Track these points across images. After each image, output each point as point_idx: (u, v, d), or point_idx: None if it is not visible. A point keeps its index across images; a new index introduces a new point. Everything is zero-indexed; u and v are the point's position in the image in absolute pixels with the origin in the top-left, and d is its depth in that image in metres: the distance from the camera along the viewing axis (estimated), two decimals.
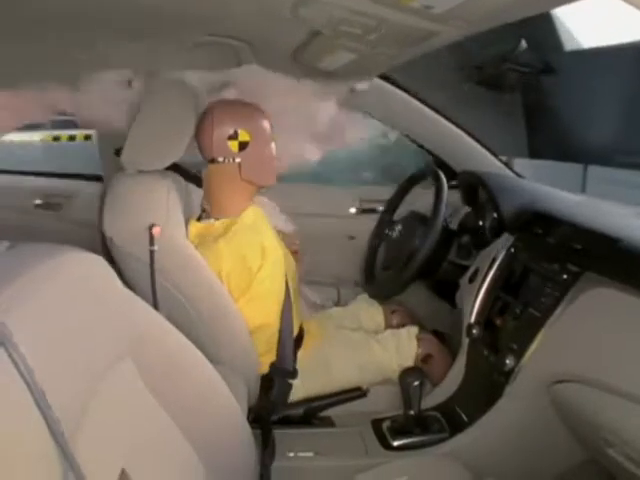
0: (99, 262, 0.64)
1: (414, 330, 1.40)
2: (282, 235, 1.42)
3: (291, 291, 1.28)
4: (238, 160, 1.20)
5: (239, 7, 0.86)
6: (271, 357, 1.24)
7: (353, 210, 1.87)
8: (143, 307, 0.72)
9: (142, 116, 1.15)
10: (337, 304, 1.77)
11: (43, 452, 0.45)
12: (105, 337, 0.60)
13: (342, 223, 1.87)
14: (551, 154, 1.96)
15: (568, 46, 1.40)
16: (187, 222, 1.19)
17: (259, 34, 1.06)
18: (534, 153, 2.06)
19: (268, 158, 1.25)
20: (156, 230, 1.04)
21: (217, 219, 1.23)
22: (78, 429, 0.51)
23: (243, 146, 1.20)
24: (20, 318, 0.46)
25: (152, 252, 1.03)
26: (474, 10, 0.74)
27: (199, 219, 1.26)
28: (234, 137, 1.19)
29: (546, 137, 1.92)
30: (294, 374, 1.26)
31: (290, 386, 1.26)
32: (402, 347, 1.36)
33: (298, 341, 1.33)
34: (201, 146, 1.23)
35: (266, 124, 1.25)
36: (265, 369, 1.24)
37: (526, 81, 1.80)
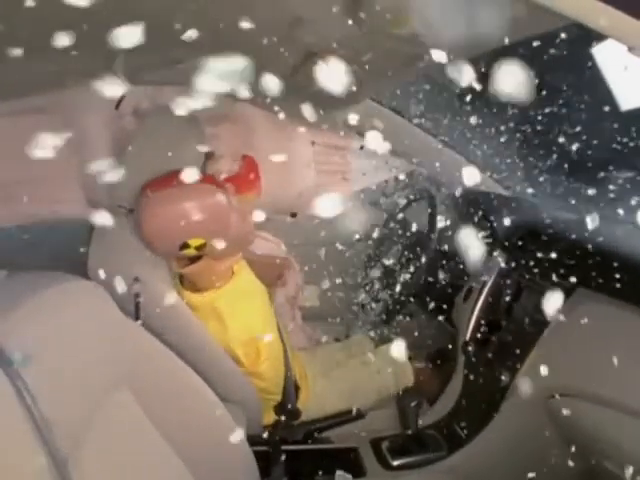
0: (97, 290, 0.64)
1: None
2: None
3: (287, 345, 1.25)
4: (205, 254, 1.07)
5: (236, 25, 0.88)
6: (275, 402, 1.23)
7: None
8: (141, 333, 0.72)
9: (136, 147, 1.08)
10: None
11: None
12: (103, 364, 0.60)
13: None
14: None
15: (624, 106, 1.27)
16: None
17: (257, 53, 1.07)
18: None
19: (238, 231, 1.07)
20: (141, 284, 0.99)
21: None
22: (77, 458, 0.51)
23: (201, 247, 1.03)
24: (22, 345, 0.47)
25: (138, 304, 0.99)
26: (464, 38, 0.77)
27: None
28: (186, 247, 1.02)
29: None
30: (297, 415, 1.25)
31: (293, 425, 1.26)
32: (397, 364, 1.37)
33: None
34: None
35: (218, 208, 1.01)
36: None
37: None
